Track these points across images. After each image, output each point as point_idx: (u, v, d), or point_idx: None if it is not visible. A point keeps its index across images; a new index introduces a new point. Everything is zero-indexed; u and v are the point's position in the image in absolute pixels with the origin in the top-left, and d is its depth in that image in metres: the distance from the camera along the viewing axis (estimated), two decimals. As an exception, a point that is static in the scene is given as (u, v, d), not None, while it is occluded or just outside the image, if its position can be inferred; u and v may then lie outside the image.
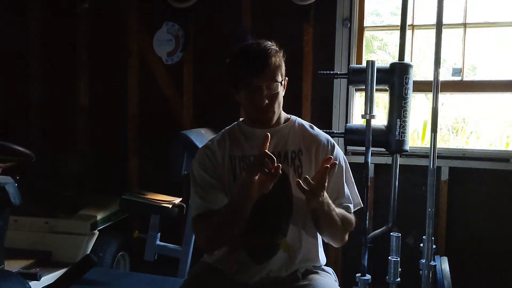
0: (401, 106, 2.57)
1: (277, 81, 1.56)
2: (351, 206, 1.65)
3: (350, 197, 1.66)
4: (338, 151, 1.68)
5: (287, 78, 1.64)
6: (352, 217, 1.65)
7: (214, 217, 1.56)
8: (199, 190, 1.61)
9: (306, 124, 1.72)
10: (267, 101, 1.55)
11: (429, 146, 2.51)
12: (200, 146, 2.67)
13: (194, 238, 2.76)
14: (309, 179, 1.42)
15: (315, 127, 1.72)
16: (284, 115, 1.69)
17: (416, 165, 2.91)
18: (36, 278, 2.45)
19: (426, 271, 2.51)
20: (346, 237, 1.65)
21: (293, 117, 1.72)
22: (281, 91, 1.59)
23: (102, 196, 3.25)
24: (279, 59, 1.58)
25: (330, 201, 1.52)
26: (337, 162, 1.59)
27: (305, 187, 1.43)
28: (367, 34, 3.21)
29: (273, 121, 1.62)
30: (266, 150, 1.43)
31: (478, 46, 3.61)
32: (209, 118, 3.22)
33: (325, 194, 1.48)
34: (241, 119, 1.73)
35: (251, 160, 1.60)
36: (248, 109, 1.62)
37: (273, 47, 1.58)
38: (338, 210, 1.58)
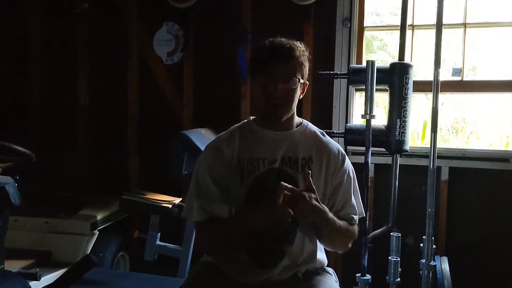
0: (401, 106, 2.57)
1: (295, 77, 1.54)
2: (356, 217, 1.65)
3: (356, 207, 1.66)
4: (348, 162, 1.67)
5: (307, 83, 1.62)
6: (355, 228, 1.65)
7: (217, 227, 1.57)
8: (201, 197, 1.60)
9: (318, 130, 1.70)
10: (279, 93, 1.52)
11: (429, 146, 2.51)
12: (200, 146, 2.69)
13: (194, 238, 2.77)
14: (290, 186, 1.45)
15: (326, 135, 1.70)
16: (297, 119, 1.67)
17: (416, 165, 2.91)
18: (36, 278, 2.44)
19: (426, 271, 2.51)
20: (349, 245, 1.66)
21: (305, 121, 1.70)
22: (297, 91, 1.57)
23: (102, 196, 3.25)
24: (304, 59, 1.57)
25: (328, 212, 1.53)
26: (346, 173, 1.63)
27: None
28: (367, 34, 3.21)
29: (281, 119, 1.59)
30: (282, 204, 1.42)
31: (478, 46, 3.61)
32: (209, 118, 3.22)
33: (320, 206, 1.50)
34: (251, 117, 1.71)
35: (258, 162, 1.58)
36: (259, 99, 1.59)
37: (301, 46, 1.58)
38: (341, 222, 1.59)
